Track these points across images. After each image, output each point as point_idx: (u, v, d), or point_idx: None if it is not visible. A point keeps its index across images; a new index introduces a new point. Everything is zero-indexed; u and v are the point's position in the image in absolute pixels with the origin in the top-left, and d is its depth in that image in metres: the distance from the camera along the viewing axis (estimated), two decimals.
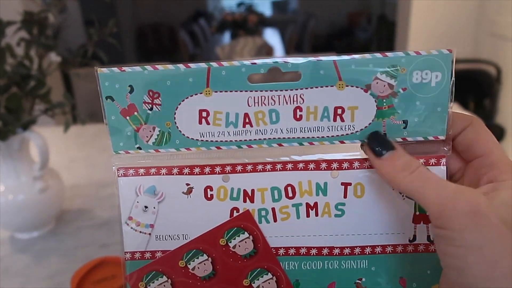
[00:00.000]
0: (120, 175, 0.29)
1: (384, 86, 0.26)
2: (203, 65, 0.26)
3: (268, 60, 0.26)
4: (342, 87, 0.26)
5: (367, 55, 0.25)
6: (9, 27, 0.58)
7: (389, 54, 0.25)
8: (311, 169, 0.28)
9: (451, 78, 0.25)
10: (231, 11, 4.26)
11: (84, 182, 0.84)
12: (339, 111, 0.26)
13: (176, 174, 0.28)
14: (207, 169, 0.28)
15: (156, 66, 0.27)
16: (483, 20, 2.02)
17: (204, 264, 0.29)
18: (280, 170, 0.28)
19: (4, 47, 0.57)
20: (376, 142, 0.25)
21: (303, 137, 0.27)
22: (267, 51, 2.89)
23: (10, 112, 0.57)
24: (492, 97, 1.91)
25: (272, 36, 3.75)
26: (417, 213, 0.28)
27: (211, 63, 0.26)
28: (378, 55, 0.25)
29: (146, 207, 0.29)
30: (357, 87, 0.26)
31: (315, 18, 3.98)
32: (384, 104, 0.26)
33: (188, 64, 0.26)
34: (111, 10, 3.60)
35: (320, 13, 4.10)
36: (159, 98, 0.27)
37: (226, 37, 3.73)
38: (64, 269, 0.58)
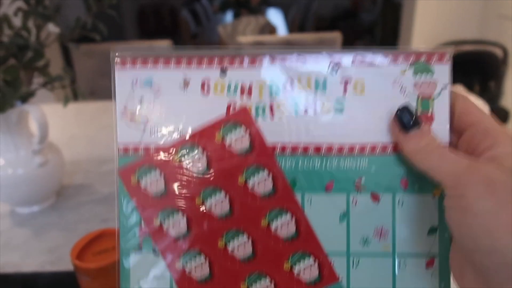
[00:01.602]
0: (117, 66, 0.28)
1: None
2: None
3: None
4: None
5: None
6: None
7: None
8: (311, 64, 0.27)
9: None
10: None
11: (84, 158, 0.83)
12: None
13: (174, 65, 0.28)
14: (204, 61, 0.28)
15: None
16: (490, 1, 1.99)
17: (199, 159, 0.28)
18: (279, 63, 0.27)
19: (1, 18, 0.56)
20: (407, 116, 0.26)
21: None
22: (270, 30, 2.86)
23: (8, 84, 0.56)
24: (497, 79, 1.89)
25: (275, 16, 3.69)
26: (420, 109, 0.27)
27: None
28: None
29: (142, 99, 0.28)
30: None
31: None
32: None
33: None
34: None
35: None
36: None
37: (229, 16, 3.68)
38: (64, 243, 0.58)
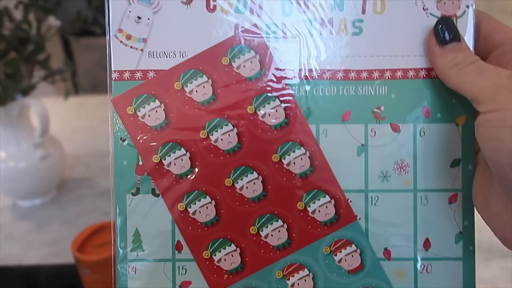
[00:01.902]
0: None
1: None
2: None
3: None
4: None
5: None
6: None
7: None
8: None
9: None
10: None
11: (85, 151, 0.83)
12: None
13: None
14: None
15: None
16: None
17: (203, 86, 0.25)
18: None
19: (2, 10, 0.55)
20: (445, 28, 0.24)
21: None
22: None
23: (9, 77, 0.56)
24: None
25: None
26: None
27: None
28: None
29: (139, 17, 0.25)
30: None
31: None
32: None
33: None
34: None
35: None
36: None
37: None
38: (66, 235, 0.58)
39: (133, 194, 0.26)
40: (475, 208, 0.25)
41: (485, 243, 0.51)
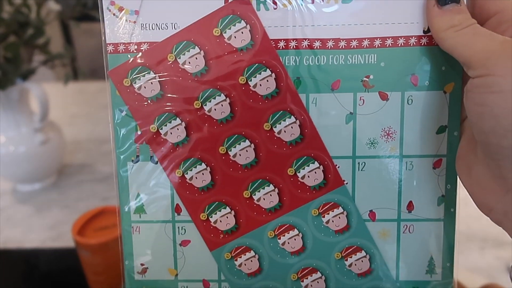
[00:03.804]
0: None
1: None
2: None
3: None
4: None
5: None
6: None
7: None
8: None
9: None
10: None
11: (85, 137, 0.83)
12: None
13: None
14: None
15: None
16: None
17: (196, 57, 0.26)
18: None
19: None
20: None
21: None
22: None
23: (9, 61, 0.56)
24: None
25: None
26: None
27: None
28: None
29: None
30: None
31: None
32: None
33: None
34: None
35: None
36: None
37: None
38: (66, 220, 0.59)
39: (133, 162, 0.27)
40: (458, 174, 0.26)
41: (480, 232, 0.52)
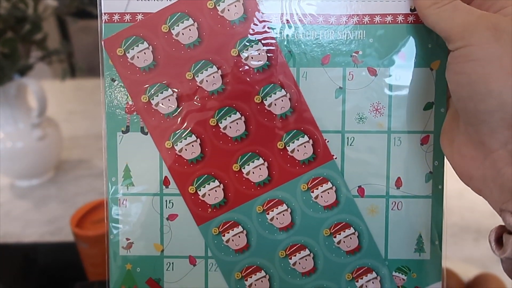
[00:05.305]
0: None
1: None
2: None
3: None
4: None
5: None
6: None
7: None
8: None
9: None
10: None
11: (82, 133, 0.84)
12: None
13: None
14: None
15: None
16: None
17: (189, 29, 0.26)
18: None
19: None
20: None
21: None
22: None
23: (6, 57, 0.56)
24: None
25: None
26: None
27: None
28: None
29: None
30: None
31: None
32: None
33: None
34: None
35: None
36: None
37: None
38: (64, 214, 0.59)
39: (123, 132, 0.27)
40: (441, 147, 0.26)
41: (474, 224, 0.52)
